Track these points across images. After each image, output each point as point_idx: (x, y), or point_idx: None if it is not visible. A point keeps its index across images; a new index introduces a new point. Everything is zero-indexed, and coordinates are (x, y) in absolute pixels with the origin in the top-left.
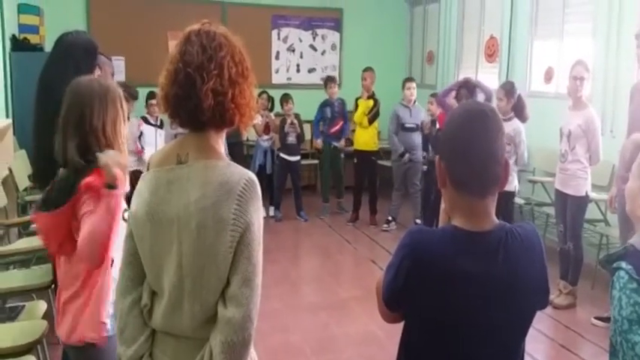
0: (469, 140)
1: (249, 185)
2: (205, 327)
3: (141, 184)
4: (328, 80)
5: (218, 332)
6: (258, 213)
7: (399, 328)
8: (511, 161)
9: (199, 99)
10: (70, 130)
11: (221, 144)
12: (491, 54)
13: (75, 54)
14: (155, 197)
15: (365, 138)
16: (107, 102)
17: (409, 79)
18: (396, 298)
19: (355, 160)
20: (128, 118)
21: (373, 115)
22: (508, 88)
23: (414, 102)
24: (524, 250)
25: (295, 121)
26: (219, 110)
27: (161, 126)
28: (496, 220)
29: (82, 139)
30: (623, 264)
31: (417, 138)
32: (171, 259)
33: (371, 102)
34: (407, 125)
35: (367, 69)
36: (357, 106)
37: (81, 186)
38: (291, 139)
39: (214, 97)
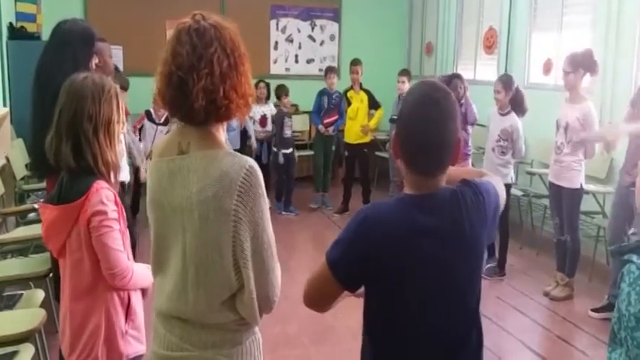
0: (417, 124)
1: (249, 174)
2: (210, 314)
3: (147, 173)
4: (328, 70)
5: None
6: (260, 200)
7: None
8: (508, 155)
9: (192, 101)
10: (63, 132)
11: (222, 132)
12: (489, 45)
13: (72, 42)
14: (158, 187)
15: (355, 129)
16: (101, 102)
17: (400, 73)
18: (353, 270)
19: (346, 153)
20: (126, 114)
21: (374, 104)
22: (505, 81)
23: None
24: (473, 207)
25: (291, 122)
26: (213, 108)
27: (164, 123)
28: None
29: (75, 142)
30: (635, 257)
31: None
32: (177, 245)
33: (363, 94)
34: (392, 116)
35: (356, 62)
36: (348, 100)
37: (90, 194)
38: (288, 134)
39: (206, 96)
